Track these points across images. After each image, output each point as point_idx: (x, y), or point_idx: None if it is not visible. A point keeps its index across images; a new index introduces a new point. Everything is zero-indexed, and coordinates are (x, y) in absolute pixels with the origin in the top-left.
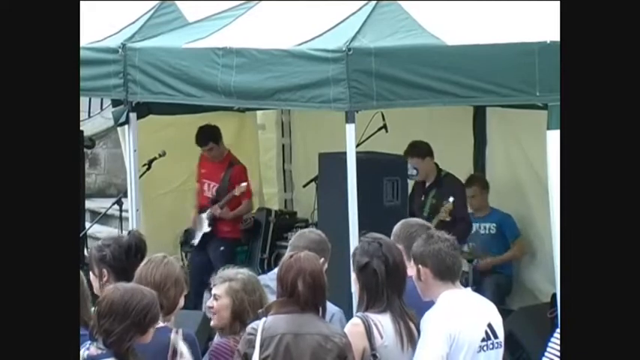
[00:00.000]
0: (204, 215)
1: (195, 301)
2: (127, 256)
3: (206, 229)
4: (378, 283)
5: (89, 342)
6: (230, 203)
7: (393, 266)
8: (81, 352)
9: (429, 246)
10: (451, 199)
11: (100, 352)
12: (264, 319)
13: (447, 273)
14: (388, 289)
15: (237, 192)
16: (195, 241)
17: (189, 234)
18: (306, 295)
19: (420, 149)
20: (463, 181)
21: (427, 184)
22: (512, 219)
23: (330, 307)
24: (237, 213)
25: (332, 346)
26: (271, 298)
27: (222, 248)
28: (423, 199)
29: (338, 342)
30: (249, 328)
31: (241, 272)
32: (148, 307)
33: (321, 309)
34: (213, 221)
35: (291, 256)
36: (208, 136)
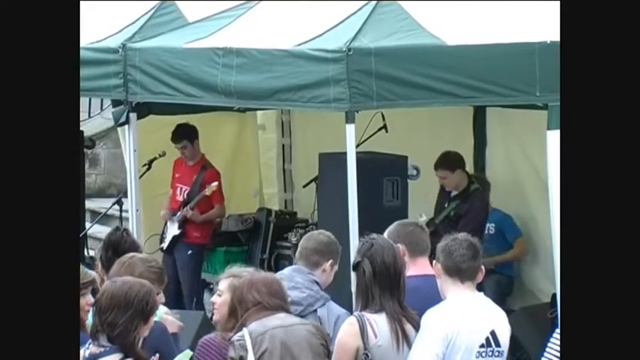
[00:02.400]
0: (175, 218)
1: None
2: (114, 254)
3: (175, 231)
4: (366, 283)
5: (89, 342)
6: (201, 206)
7: (381, 267)
8: (81, 353)
9: (444, 241)
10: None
11: (101, 349)
12: (244, 328)
13: (454, 271)
14: (378, 290)
15: (207, 192)
16: (165, 245)
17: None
18: (268, 300)
19: (450, 161)
20: None
21: (453, 194)
22: (512, 219)
23: (337, 309)
24: (207, 217)
25: (319, 334)
26: None
27: (189, 252)
28: (446, 205)
29: (321, 331)
30: (234, 339)
31: (248, 270)
32: (148, 295)
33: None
34: (184, 225)
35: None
36: (183, 134)
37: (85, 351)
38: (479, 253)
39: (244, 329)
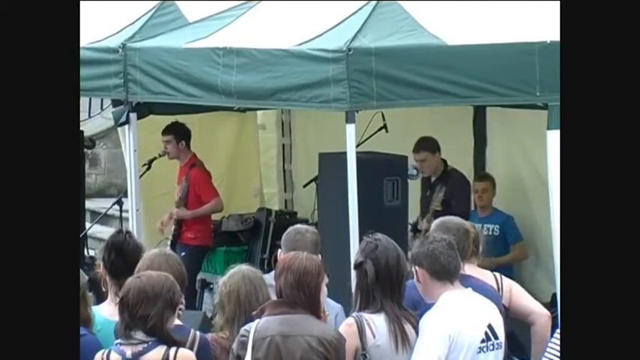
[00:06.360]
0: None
1: None
2: (117, 256)
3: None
4: (368, 284)
5: (116, 346)
6: (190, 205)
7: (384, 269)
8: (114, 357)
9: (424, 246)
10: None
11: (144, 345)
12: (257, 320)
13: (443, 272)
14: (379, 291)
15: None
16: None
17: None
18: (288, 293)
19: (431, 143)
20: (471, 178)
21: (433, 180)
22: (514, 221)
23: (333, 304)
24: (196, 213)
25: (322, 348)
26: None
27: (182, 254)
28: (428, 194)
29: (328, 343)
30: (242, 330)
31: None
32: (173, 286)
33: (314, 308)
34: (179, 226)
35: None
36: (173, 129)
37: (116, 355)
38: (455, 249)
39: (253, 325)
